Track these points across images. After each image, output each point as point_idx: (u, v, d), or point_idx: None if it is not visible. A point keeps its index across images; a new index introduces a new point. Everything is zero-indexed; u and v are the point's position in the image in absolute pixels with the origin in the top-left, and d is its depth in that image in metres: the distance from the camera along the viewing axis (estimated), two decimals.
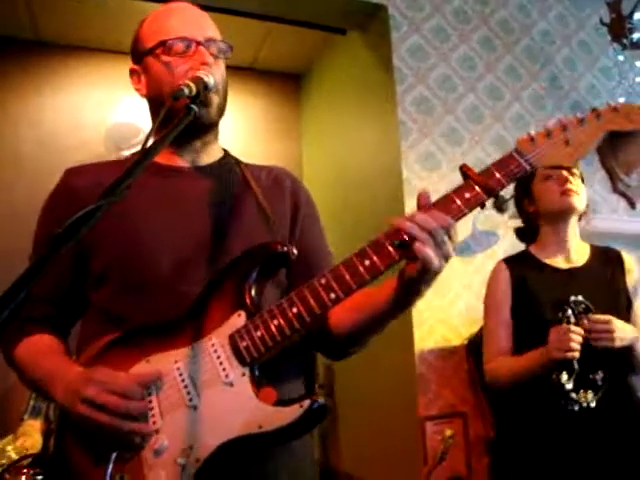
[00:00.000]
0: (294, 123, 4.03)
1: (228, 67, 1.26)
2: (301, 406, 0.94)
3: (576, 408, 1.72)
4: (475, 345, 2.48)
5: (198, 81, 1.08)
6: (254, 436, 0.95)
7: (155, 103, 1.21)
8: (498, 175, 0.96)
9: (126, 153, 3.54)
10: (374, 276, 0.96)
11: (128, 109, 3.53)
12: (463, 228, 2.91)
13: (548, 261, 1.93)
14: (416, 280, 0.97)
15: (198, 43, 1.17)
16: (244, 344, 0.98)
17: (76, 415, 0.97)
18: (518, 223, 2.14)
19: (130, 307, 1.11)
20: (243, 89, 3.76)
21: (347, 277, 0.96)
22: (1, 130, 3.42)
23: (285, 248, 1.07)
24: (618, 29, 3.15)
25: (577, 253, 1.96)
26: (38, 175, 3.32)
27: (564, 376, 1.73)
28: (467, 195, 0.96)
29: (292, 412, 0.94)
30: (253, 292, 1.04)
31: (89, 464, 1.00)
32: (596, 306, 1.80)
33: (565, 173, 1.91)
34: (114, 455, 0.97)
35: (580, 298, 1.77)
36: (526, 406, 1.83)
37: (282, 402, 0.96)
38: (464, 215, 0.96)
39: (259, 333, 0.98)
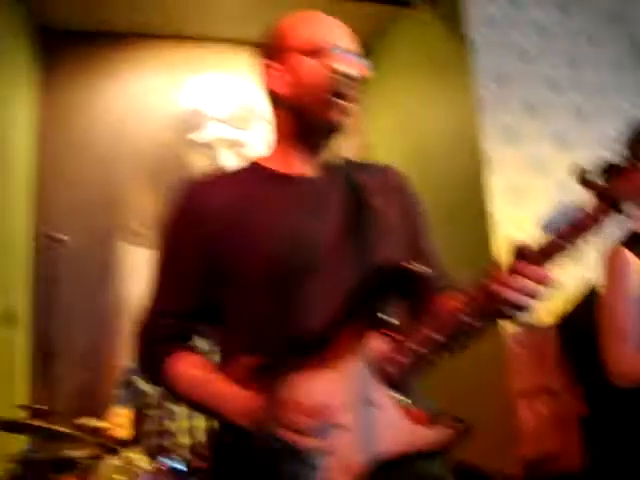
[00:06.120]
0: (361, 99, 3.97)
1: None
2: (454, 428, 0.99)
3: None
4: (569, 326, 2.43)
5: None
6: (411, 455, 0.99)
7: (296, 105, 1.18)
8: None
9: (192, 137, 3.61)
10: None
11: (191, 94, 3.59)
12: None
13: None
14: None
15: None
16: (390, 370, 1.02)
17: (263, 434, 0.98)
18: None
19: (269, 322, 1.11)
20: None
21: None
22: (72, 119, 3.51)
23: (422, 268, 1.08)
24: None
25: None
26: (108, 163, 3.44)
27: None
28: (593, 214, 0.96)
29: (445, 433, 0.99)
30: (388, 313, 1.06)
31: None
32: None
33: None
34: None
35: None
36: None
37: (432, 422, 1.00)
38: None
39: (404, 360, 1.02)
